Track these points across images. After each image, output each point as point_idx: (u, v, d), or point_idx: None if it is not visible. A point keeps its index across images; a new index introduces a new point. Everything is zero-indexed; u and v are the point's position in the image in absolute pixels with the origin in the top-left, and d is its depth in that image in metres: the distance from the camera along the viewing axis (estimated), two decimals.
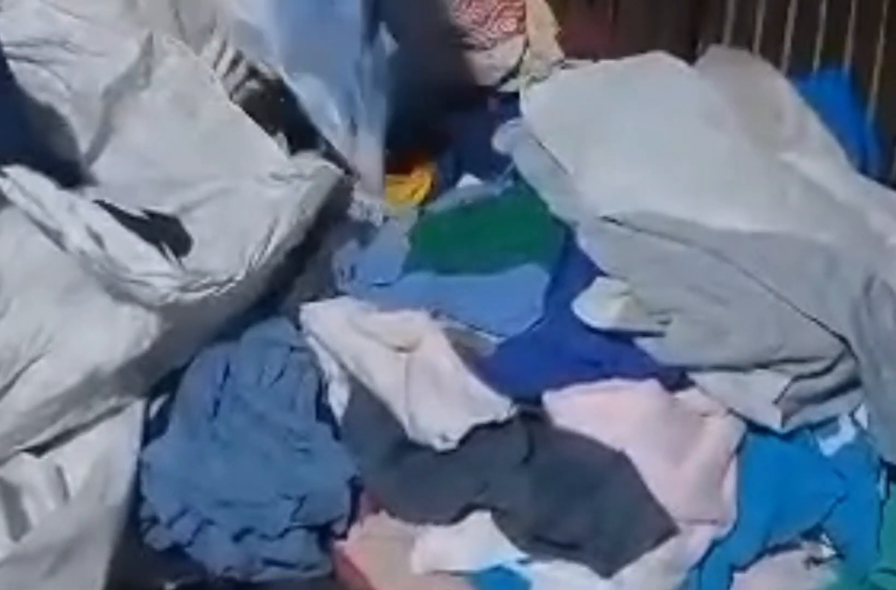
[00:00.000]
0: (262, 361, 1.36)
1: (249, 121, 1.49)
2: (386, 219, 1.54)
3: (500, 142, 1.53)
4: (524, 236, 1.41)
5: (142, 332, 1.29)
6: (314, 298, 1.42)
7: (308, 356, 1.38)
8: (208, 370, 1.37)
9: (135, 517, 1.30)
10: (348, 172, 1.54)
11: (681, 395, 1.30)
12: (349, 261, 1.46)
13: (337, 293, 1.43)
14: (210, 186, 1.42)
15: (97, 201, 1.29)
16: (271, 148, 1.48)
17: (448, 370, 1.28)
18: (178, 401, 1.36)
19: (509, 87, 1.73)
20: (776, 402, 1.27)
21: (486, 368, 1.29)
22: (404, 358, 1.31)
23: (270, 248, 1.35)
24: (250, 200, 1.41)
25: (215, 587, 1.30)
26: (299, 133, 1.55)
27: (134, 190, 1.40)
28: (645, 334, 1.29)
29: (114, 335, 1.28)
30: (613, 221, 1.37)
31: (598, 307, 1.31)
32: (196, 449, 1.32)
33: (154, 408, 1.36)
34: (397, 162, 1.62)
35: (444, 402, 1.27)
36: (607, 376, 1.29)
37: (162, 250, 1.26)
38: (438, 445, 1.26)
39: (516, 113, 1.53)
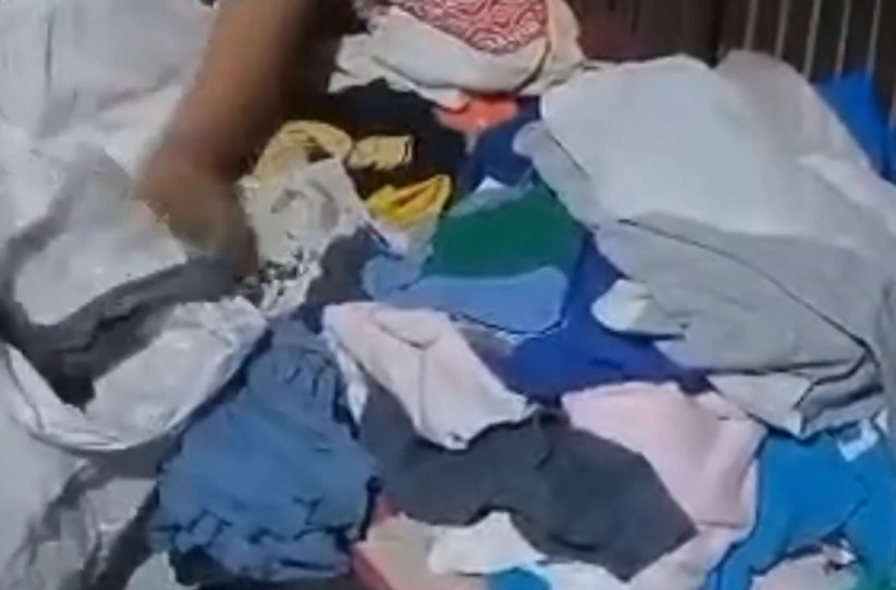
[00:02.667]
0: (274, 363, 1.37)
1: None
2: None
3: (520, 145, 1.53)
4: (543, 239, 1.41)
5: None
6: (334, 301, 1.43)
7: (322, 358, 1.38)
8: None
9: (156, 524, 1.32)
10: None
11: (700, 398, 1.29)
12: (374, 265, 1.46)
13: (364, 298, 1.43)
14: None
15: None
16: None
17: (464, 369, 1.29)
18: None
19: (530, 90, 1.72)
20: (796, 406, 1.26)
21: (504, 369, 1.29)
22: (421, 355, 1.31)
23: None
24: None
25: (235, 588, 1.30)
26: None
27: None
28: (664, 337, 1.29)
29: None
30: (633, 223, 1.36)
31: (617, 310, 1.31)
32: (211, 452, 1.33)
33: None
34: (415, 165, 1.62)
35: (459, 400, 1.27)
36: (626, 379, 1.28)
37: None
38: (449, 444, 1.26)
39: (537, 116, 1.53)
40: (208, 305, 1.34)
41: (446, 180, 1.59)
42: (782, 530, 1.25)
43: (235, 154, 1.53)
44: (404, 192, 1.59)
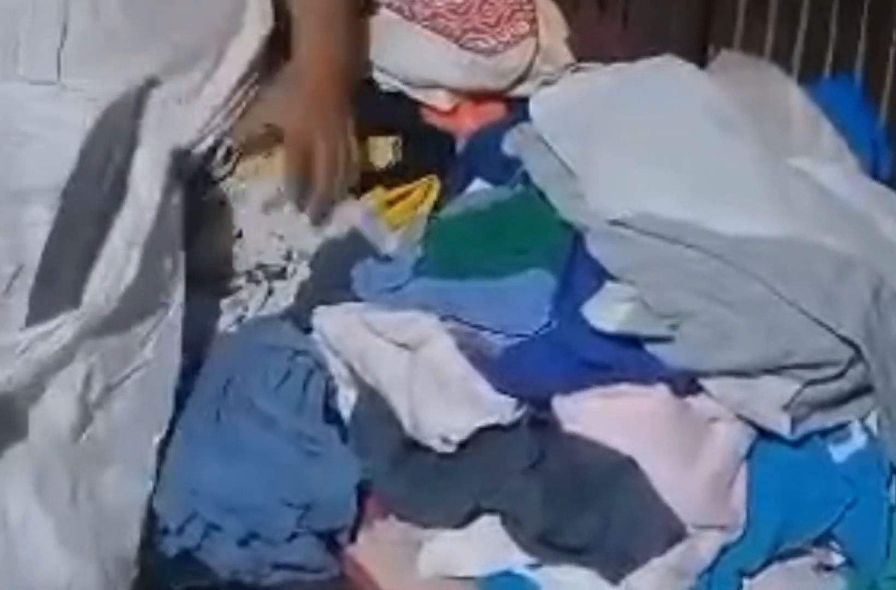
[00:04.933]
0: (265, 365, 1.37)
1: None
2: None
3: (510, 146, 1.53)
4: (533, 240, 1.41)
5: None
6: (322, 302, 1.43)
7: (313, 360, 1.38)
8: (210, 378, 1.37)
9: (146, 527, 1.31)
10: None
11: (690, 400, 1.29)
12: (364, 267, 1.46)
13: (353, 299, 1.43)
14: None
15: None
16: None
17: (453, 371, 1.28)
18: (181, 412, 1.36)
19: (519, 90, 1.72)
20: (786, 407, 1.26)
21: (493, 371, 1.28)
22: (410, 357, 1.31)
23: None
24: None
25: None
26: None
27: None
28: (654, 339, 1.29)
29: None
30: (622, 224, 1.36)
31: (606, 311, 1.31)
32: (200, 456, 1.32)
33: None
34: (404, 166, 1.62)
35: (448, 403, 1.27)
36: (616, 381, 1.28)
37: None
38: (438, 446, 1.26)
39: (526, 116, 1.52)
40: None
41: (436, 181, 1.59)
42: (772, 532, 1.25)
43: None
44: (394, 193, 1.59)
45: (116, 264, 1.22)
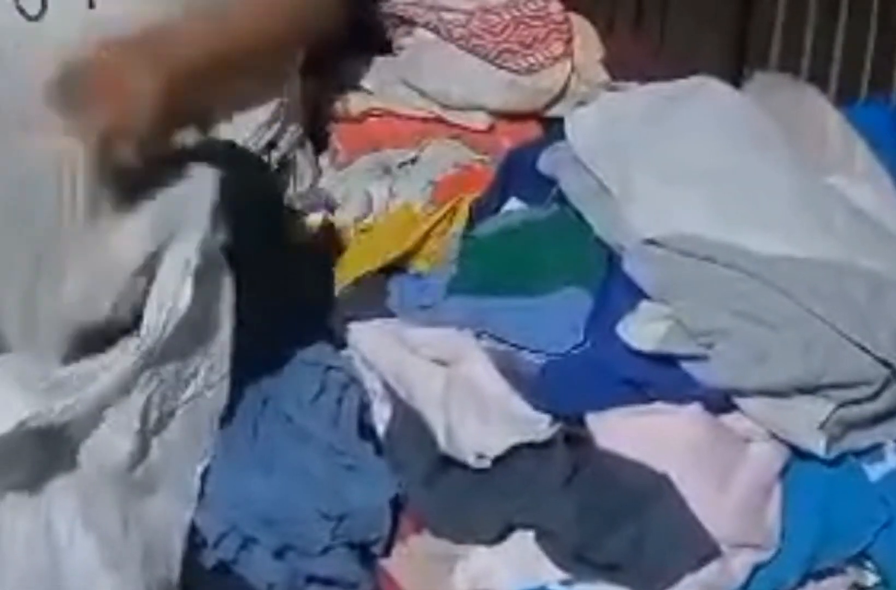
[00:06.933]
0: (300, 379, 1.37)
1: None
2: None
3: (545, 165, 1.53)
4: (568, 259, 1.42)
5: None
6: (354, 318, 1.43)
7: (346, 375, 1.38)
8: (247, 392, 1.37)
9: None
10: None
11: (725, 419, 1.30)
12: (399, 283, 1.47)
13: (387, 314, 1.44)
14: None
15: None
16: None
17: (489, 388, 1.29)
18: (220, 425, 1.36)
19: (555, 110, 1.73)
20: (821, 427, 1.26)
21: (529, 388, 1.29)
22: (445, 373, 1.32)
23: None
24: None
25: None
26: None
27: None
28: (689, 358, 1.29)
29: None
30: (658, 243, 1.37)
31: (642, 330, 1.31)
32: (238, 470, 1.33)
33: None
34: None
35: (484, 419, 1.27)
36: (651, 399, 1.28)
37: None
38: (473, 463, 1.26)
39: (562, 136, 1.53)
40: None
41: (464, 200, 1.59)
42: (807, 552, 1.25)
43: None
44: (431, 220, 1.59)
45: (170, 292, 1.21)
